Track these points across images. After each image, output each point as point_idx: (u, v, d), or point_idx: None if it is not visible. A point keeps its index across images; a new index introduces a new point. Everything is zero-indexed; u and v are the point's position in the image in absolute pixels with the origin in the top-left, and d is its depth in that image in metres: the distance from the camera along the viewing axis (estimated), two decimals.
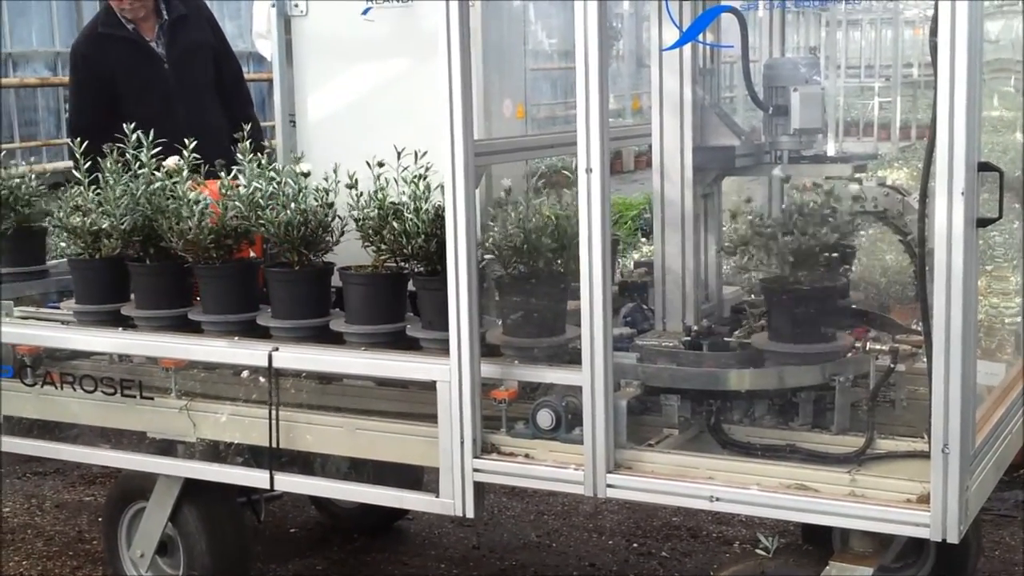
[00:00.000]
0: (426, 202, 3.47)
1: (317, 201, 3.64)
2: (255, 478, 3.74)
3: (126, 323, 3.91)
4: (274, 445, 3.62)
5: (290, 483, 3.76)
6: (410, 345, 3.54)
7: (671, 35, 3.46)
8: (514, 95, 4.23)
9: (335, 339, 3.63)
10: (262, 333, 3.71)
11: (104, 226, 3.86)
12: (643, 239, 9.42)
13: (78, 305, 4.01)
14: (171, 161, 3.87)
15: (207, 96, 5.26)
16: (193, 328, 3.81)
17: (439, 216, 3.37)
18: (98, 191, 3.91)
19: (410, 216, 3.45)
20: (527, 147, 4.11)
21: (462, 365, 3.23)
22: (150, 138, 3.87)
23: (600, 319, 3.05)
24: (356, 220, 3.57)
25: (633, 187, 12.91)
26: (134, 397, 3.86)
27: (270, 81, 4.43)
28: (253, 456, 3.81)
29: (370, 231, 3.54)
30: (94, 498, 5.34)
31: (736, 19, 3.49)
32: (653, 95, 3.58)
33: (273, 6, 4.19)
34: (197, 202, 3.69)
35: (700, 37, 3.48)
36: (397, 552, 4.70)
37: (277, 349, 3.58)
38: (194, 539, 3.91)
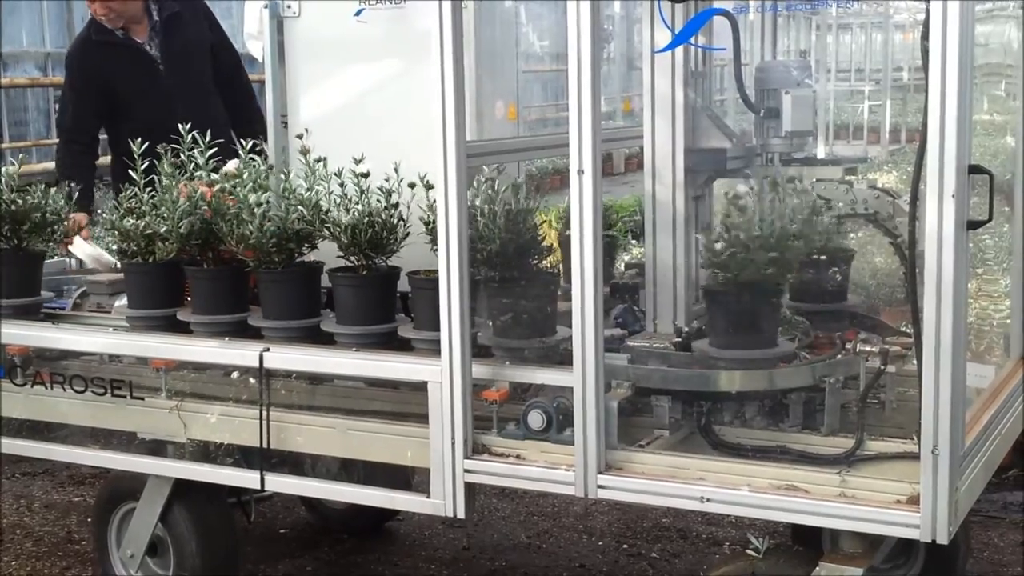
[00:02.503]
0: (499, 205, 3.39)
1: (381, 202, 3.54)
2: (246, 478, 3.74)
3: (183, 328, 3.84)
4: (265, 445, 3.62)
5: (281, 484, 3.76)
6: (480, 353, 3.45)
7: (663, 37, 3.47)
8: (506, 97, 4.24)
9: (403, 346, 3.55)
10: (326, 339, 3.65)
11: (161, 230, 3.77)
12: (633, 241, 9.42)
13: (131, 310, 3.93)
14: (231, 165, 3.84)
15: (206, 93, 5.25)
16: (252, 333, 3.74)
17: (510, 220, 3.34)
18: (153, 193, 3.84)
19: (484, 220, 3.36)
20: (519, 148, 4.11)
21: (453, 366, 3.23)
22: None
23: (591, 320, 3.06)
24: (426, 223, 3.50)
25: (623, 189, 12.91)
26: (125, 397, 3.85)
27: (262, 82, 4.43)
28: (243, 456, 3.81)
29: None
30: (83, 498, 5.33)
31: (728, 22, 3.50)
32: (645, 97, 3.58)
33: (265, 7, 4.18)
34: (259, 205, 3.61)
35: (692, 39, 3.49)
36: (387, 553, 4.70)
37: (268, 349, 3.58)
38: (184, 540, 3.90)
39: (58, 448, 4.12)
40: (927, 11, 2.62)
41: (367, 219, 3.51)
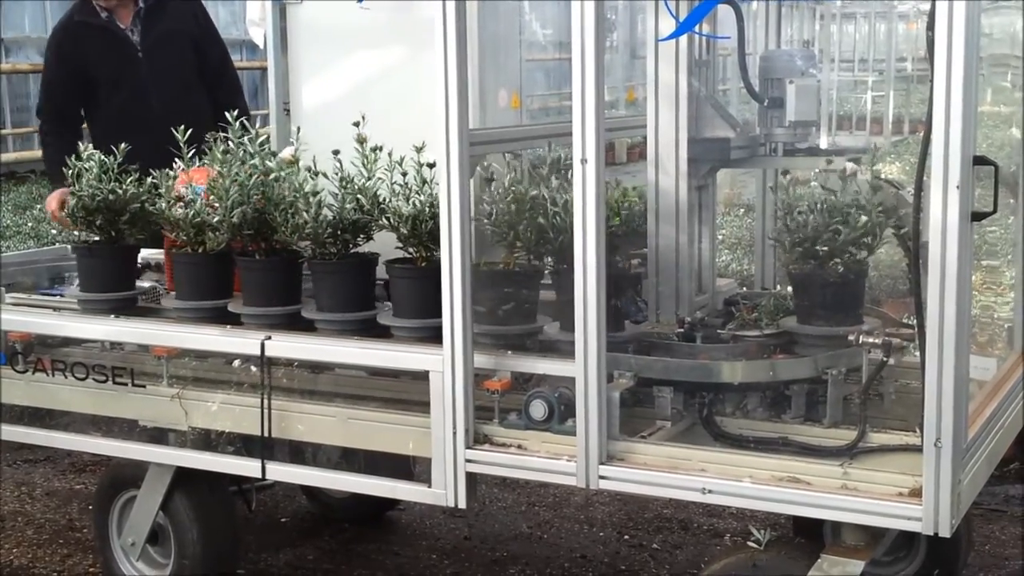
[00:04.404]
0: (567, 194, 3.31)
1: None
2: (247, 467, 3.74)
3: (233, 320, 3.77)
4: (266, 434, 3.61)
5: (282, 472, 3.75)
6: (543, 348, 3.43)
7: (667, 25, 3.46)
8: (509, 85, 4.23)
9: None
10: (383, 333, 3.57)
11: (214, 220, 3.67)
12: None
13: (179, 301, 3.87)
14: (286, 152, 3.78)
15: (184, 83, 5.21)
16: (305, 326, 3.68)
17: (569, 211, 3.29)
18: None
19: (555, 210, 3.29)
20: (522, 137, 4.10)
21: (455, 355, 3.23)
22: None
23: (594, 310, 3.05)
24: (488, 215, 3.42)
25: (625, 179, 12.88)
26: (126, 385, 3.84)
27: (264, 69, 4.42)
28: (245, 445, 3.80)
29: (504, 226, 3.37)
30: (84, 486, 5.33)
31: (733, 10, 3.49)
32: (649, 86, 3.57)
33: None
34: (314, 194, 3.52)
35: (696, 28, 3.47)
36: (388, 542, 4.70)
37: (270, 338, 3.57)
38: (185, 528, 3.90)
39: (59, 435, 4.12)
40: (933, 1, 2.61)
41: (428, 209, 3.43)
